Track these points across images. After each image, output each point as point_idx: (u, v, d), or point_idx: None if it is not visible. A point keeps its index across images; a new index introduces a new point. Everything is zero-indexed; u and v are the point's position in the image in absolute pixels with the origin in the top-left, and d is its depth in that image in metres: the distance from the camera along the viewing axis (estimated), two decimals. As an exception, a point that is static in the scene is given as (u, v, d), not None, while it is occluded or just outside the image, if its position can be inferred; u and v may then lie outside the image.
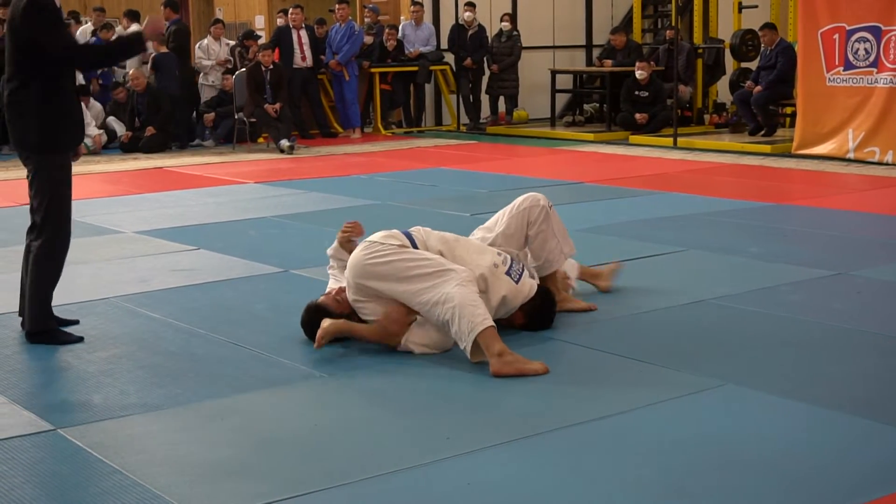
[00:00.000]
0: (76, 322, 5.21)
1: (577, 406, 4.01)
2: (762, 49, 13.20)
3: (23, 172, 5.23)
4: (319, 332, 4.65)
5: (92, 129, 13.58)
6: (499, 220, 5.23)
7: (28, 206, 5.14)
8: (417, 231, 4.86)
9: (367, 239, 4.80)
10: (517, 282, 4.86)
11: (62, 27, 5.02)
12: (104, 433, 3.84)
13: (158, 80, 13.70)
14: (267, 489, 3.32)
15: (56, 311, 5.14)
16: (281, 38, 14.63)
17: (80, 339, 4.97)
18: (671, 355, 4.58)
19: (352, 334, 4.74)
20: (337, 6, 14.79)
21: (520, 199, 5.24)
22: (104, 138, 13.73)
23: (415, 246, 4.72)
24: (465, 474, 3.40)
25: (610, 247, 6.82)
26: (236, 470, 3.49)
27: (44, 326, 4.98)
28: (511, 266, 4.89)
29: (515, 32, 15.60)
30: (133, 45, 5.25)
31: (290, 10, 14.79)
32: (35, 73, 4.86)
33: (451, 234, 4.95)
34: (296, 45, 14.61)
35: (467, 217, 7.95)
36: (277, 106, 13.28)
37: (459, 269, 4.56)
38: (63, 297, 5.31)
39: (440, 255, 4.70)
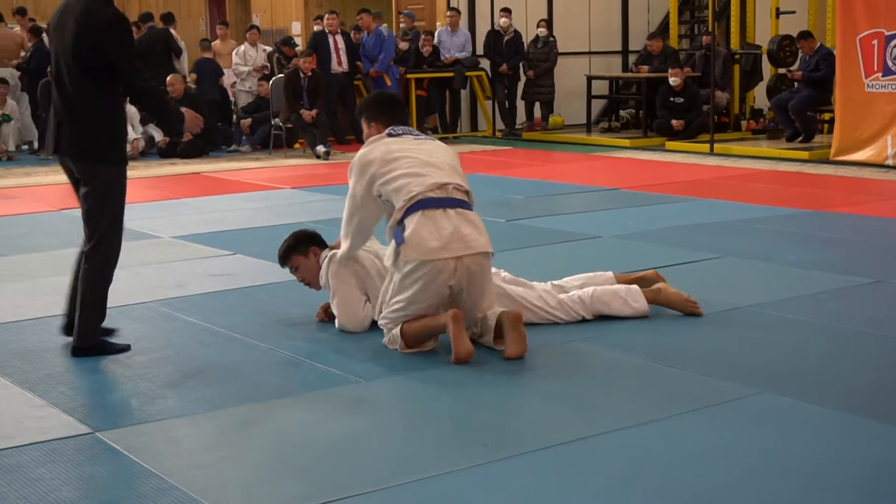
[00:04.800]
0: (114, 331, 5.09)
1: (612, 413, 4.00)
2: (800, 55, 13.11)
3: (62, 177, 5.15)
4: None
5: (130, 135, 13.71)
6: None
7: (80, 213, 4.88)
8: None
9: None
10: None
11: (135, 54, 4.97)
12: (142, 437, 3.87)
13: (199, 84, 13.85)
14: (302, 493, 3.34)
15: None
16: (318, 44, 14.68)
17: (127, 348, 4.94)
18: (707, 363, 4.56)
19: None
20: (357, 16, 14.82)
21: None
22: (142, 144, 13.85)
23: None
24: (501, 481, 3.40)
25: (646, 254, 6.79)
26: (272, 474, 3.51)
27: (94, 342, 4.89)
28: None
29: (552, 38, 15.57)
30: (175, 119, 5.17)
31: (326, 16, 14.85)
32: (108, 85, 4.78)
33: None
34: (332, 51, 14.67)
35: (503, 223, 7.95)
36: (314, 112, 13.34)
37: None
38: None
39: None
